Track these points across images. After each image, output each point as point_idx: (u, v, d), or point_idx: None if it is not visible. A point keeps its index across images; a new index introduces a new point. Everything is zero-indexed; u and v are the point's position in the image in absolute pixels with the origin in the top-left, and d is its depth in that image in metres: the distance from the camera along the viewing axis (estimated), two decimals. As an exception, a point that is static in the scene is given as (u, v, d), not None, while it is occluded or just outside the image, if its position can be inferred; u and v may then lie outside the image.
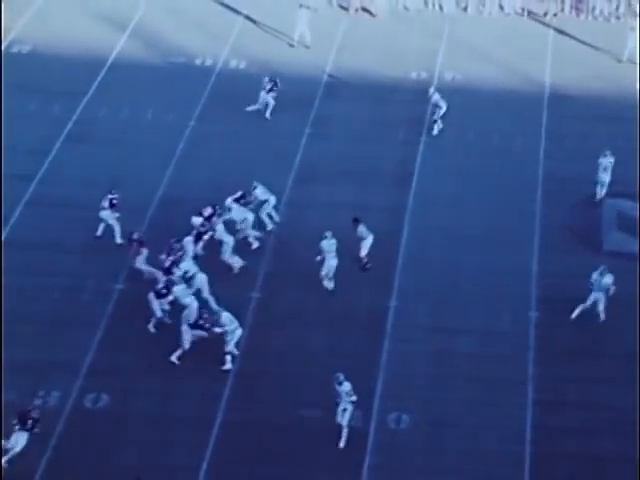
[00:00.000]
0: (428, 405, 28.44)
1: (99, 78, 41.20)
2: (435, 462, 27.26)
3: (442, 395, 28.67)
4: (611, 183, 35.28)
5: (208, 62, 42.44)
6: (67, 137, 38.10)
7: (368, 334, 30.68)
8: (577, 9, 46.24)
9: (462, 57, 42.95)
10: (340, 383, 27.38)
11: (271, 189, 34.58)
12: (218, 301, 30.78)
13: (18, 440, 26.59)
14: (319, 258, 31.64)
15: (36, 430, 26.64)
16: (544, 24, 45.48)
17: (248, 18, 45.08)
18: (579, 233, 34.41)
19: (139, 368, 29.54)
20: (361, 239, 32.50)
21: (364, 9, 46.22)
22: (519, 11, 46.33)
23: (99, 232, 33.58)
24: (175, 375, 29.35)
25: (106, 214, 33.37)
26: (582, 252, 33.59)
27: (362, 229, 32.49)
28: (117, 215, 33.36)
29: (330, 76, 41.58)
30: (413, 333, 30.73)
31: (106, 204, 33.33)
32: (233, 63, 42.45)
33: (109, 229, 33.50)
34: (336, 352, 30.05)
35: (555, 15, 46.08)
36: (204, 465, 26.99)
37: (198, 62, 42.48)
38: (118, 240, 33.36)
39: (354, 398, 27.30)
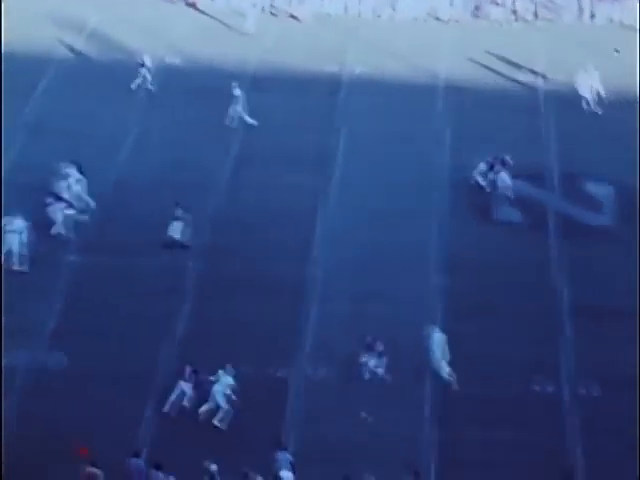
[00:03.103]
0: (348, 359, 28.03)
1: (51, 74, 40.42)
2: (352, 408, 26.84)
3: (359, 351, 28.30)
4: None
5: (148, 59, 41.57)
6: (23, 128, 37.14)
7: (294, 300, 30.24)
8: (475, 15, 46.23)
9: (375, 55, 42.55)
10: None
11: (211, 174, 34.59)
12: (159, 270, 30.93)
13: None
14: None
15: None
16: (447, 27, 45.32)
17: (187, 21, 44.65)
18: (477, 209, 34.23)
19: (93, 332, 28.92)
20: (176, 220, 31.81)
21: (291, 15, 45.84)
22: (425, 16, 46.22)
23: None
24: (125, 338, 28.82)
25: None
26: (481, 225, 33.49)
27: (180, 212, 31.78)
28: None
29: (258, 72, 41.06)
30: (333, 299, 30.31)
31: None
32: (168, 60, 41.77)
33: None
34: (267, 317, 29.59)
35: (457, 21, 45.95)
36: (151, 416, 26.43)
37: (139, 59, 41.37)
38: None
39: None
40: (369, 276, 31.29)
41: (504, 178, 34.15)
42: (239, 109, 37.82)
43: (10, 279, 30.28)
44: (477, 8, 46.22)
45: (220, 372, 26.64)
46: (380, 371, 27.55)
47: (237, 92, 37.94)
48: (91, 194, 33.83)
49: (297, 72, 41.23)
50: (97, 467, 23.98)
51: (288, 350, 28.46)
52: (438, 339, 27.65)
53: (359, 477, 23.95)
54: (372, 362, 27.57)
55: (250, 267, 31.49)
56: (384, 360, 27.54)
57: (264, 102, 38.81)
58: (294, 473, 24.27)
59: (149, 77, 39.84)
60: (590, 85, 39.06)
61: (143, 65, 39.92)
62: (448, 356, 27.54)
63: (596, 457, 25.46)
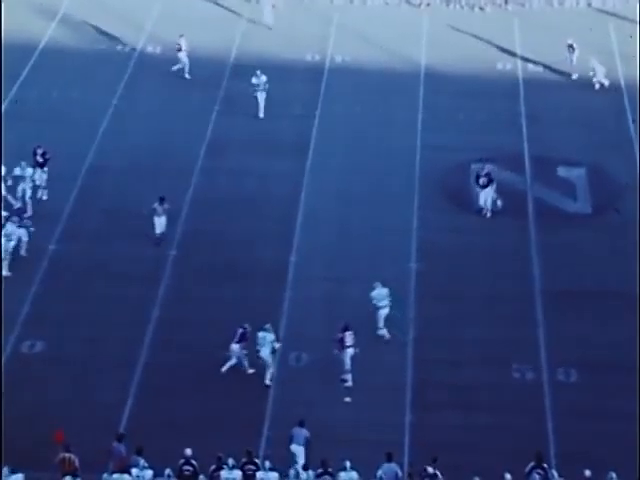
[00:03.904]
0: (323, 344, 27.93)
1: (31, 62, 39.95)
2: (329, 392, 26.85)
3: (335, 335, 28.24)
4: (478, 150, 35.10)
5: (127, 48, 41.42)
6: (4, 115, 36.68)
7: (272, 284, 30.15)
8: (446, 0, 46.06)
9: (350, 41, 42.36)
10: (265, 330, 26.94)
11: (188, 160, 34.53)
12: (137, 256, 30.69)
13: None
14: None
15: None
16: (419, 12, 45.17)
17: (164, 8, 44.02)
18: (452, 194, 34.27)
19: (70, 317, 28.76)
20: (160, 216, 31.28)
21: (265, 0, 45.51)
22: (397, 1, 46.01)
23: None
24: (102, 323, 28.63)
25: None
26: (455, 210, 33.46)
27: (166, 206, 31.26)
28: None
29: (236, 59, 40.75)
30: (310, 283, 30.27)
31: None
32: (150, 49, 41.39)
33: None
34: (244, 300, 29.45)
35: (428, 5, 45.83)
36: (129, 401, 26.39)
37: (119, 48, 41.45)
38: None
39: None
40: (345, 261, 31.22)
41: (487, 194, 33.33)
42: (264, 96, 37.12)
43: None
44: (448, -8, 46.06)
45: (260, 334, 26.69)
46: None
47: (258, 80, 37.05)
48: (66, 179, 33.64)
49: (277, 59, 40.80)
50: (71, 452, 23.74)
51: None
52: (381, 293, 27.88)
53: (337, 461, 23.90)
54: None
55: (227, 253, 31.34)
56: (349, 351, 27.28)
57: (244, 89, 38.25)
58: (306, 449, 24.16)
59: (187, 62, 39.05)
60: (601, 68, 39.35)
61: (180, 49, 39.07)
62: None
63: (572, 442, 25.49)
